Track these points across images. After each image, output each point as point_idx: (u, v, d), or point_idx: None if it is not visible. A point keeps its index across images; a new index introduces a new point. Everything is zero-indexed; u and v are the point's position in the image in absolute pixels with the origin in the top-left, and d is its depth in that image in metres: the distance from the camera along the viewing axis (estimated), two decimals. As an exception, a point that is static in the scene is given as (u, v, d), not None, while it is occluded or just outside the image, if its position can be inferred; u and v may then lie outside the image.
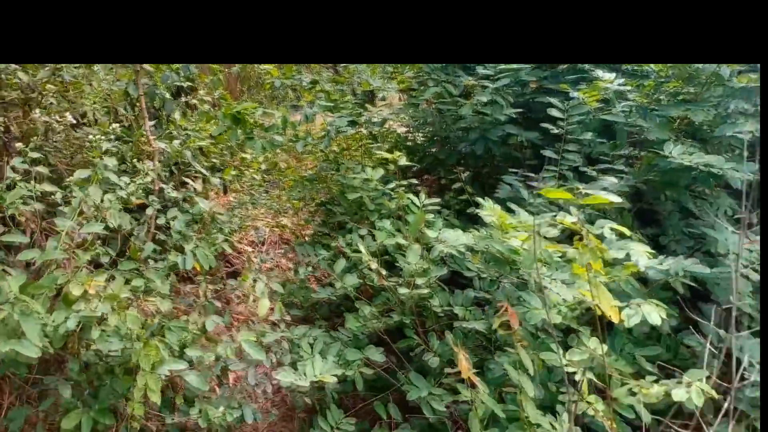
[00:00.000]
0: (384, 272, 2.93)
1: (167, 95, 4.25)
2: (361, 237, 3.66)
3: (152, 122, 4.07)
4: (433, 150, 4.54)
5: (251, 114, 3.98)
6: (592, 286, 1.66)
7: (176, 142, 4.29)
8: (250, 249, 6.34)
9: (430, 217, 3.05)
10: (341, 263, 3.39)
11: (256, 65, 4.87)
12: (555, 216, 1.83)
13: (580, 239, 1.63)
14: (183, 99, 4.54)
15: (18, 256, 2.28)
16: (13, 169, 2.65)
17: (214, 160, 5.30)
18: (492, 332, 2.91)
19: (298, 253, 4.75)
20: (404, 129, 4.95)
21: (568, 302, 2.28)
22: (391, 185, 3.33)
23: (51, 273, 2.32)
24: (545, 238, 1.72)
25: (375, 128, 4.53)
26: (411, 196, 3.11)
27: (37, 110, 2.78)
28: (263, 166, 5.81)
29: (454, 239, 2.88)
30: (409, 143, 4.93)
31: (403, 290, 2.81)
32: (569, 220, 1.69)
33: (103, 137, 2.66)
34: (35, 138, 2.94)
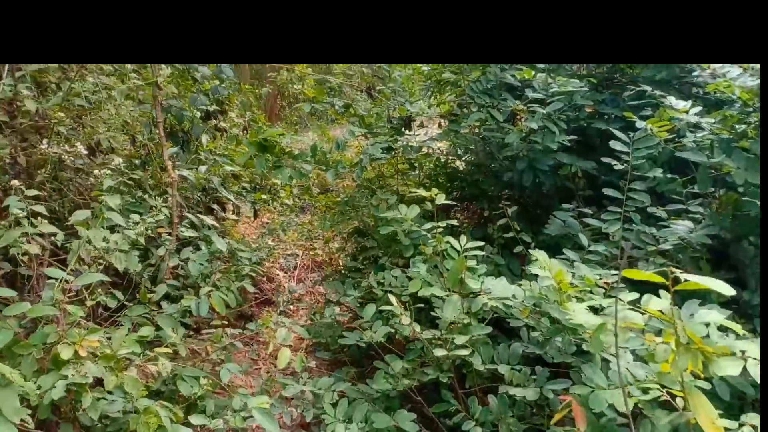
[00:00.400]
0: (418, 328, 2.57)
1: (198, 115, 4.03)
2: (395, 277, 3.32)
3: (176, 148, 3.84)
4: (476, 178, 4.15)
5: (279, 139, 3.70)
6: (687, 393, 1.27)
7: (203, 168, 4.06)
8: (281, 274, 6.07)
9: (472, 263, 2.67)
10: (372, 308, 3.05)
11: (290, 85, 4.60)
12: (638, 301, 1.44)
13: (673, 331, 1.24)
14: (213, 122, 4.32)
15: (5, 310, 2.03)
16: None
17: (246, 185, 5.08)
18: (544, 400, 2.51)
19: (327, 289, 4.44)
20: (444, 155, 4.58)
21: (641, 381, 1.87)
22: (428, 226, 2.96)
23: (41, 329, 2.06)
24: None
25: (412, 154, 4.19)
26: (450, 238, 2.74)
27: (45, 141, 2.55)
28: (295, 190, 5.55)
29: (500, 291, 2.50)
30: (448, 169, 4.56)
31: (440, 352, 2.45)
32: (655, 306, 1.31)
33: (108, 173, 2.40)
34: (42, 170, 2.73)
